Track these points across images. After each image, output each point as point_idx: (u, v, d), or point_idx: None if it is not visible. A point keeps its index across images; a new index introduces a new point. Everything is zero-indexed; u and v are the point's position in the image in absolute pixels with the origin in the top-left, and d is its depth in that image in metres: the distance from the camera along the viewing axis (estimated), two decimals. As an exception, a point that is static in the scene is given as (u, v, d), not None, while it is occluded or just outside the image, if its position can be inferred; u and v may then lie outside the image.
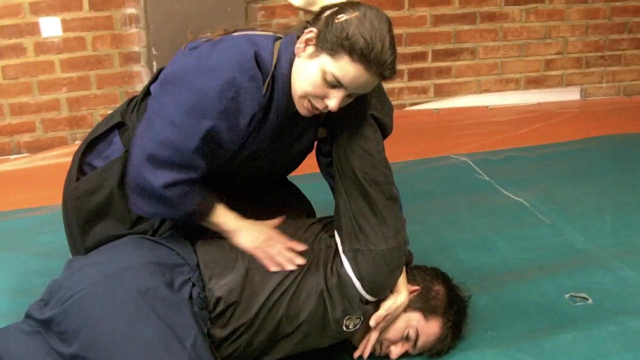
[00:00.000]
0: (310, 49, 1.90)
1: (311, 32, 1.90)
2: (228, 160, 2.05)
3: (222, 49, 1.94)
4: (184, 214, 2.01)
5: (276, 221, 2.19)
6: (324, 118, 2.15)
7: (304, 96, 1.93)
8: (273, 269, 2.03)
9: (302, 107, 1.96)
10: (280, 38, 2.03)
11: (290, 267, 2.03)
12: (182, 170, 1.93)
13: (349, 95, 1.92)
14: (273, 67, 1.96)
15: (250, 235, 2.08)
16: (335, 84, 1.86)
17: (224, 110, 1.89)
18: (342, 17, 1.84)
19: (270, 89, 1.97)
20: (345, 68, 1.84)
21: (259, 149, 2.08)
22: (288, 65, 1.97)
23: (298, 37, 1.94)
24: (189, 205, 1.99)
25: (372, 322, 2.09)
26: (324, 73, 1.86)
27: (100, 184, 2.11)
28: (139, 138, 1.97)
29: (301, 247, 2.10)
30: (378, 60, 1.83)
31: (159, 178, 1.91)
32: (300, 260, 2.05)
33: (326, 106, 1.91)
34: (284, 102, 2.00)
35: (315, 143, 2.26)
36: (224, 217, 2.08)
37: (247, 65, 1.90)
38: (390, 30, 1.86)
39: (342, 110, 2.06)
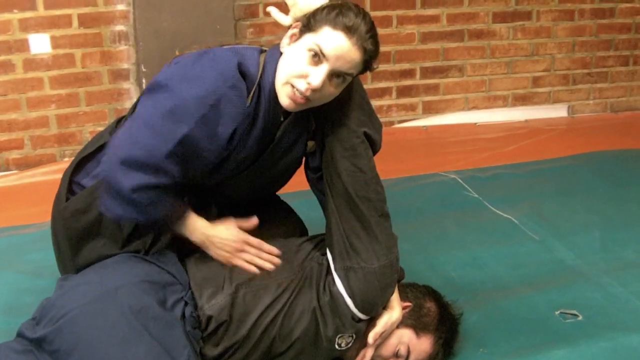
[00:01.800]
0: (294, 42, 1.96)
1: (295, 28, 1.95)
2: (215, 172, 2.04)
3: (206, 59, 1.95)
4: (151, 220, 1.97)
5: (249, 224, 2.08)
6: (313, 131, 2.16)
7: (287, 82, 1.93)
8: (254, 270, 2.02)
9: (286, 97, 1.94)
10: (266, 51, 2.05)
11: (268, 267, 2.02)
12: (153, 173, 1.88)
13: (332, 80, 1.92)
14: (259, 76, 1.97)
15: (221, 246, 2.04)
16: (318, 55, 1.88)
17: (203, 117, 1.88)
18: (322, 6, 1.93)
19: (257, 99, 1.97)
20: (326, 36, 1.88)
21: (247, 161, 2.08)
22: (274, 74, 1.98)
23: None
24: (157, 213, 1.95)
25: (370, 339, 2.08)
26: (306, 47, 1.90)
27: (90, 203, 2.09)
28: (116, 139, 1.94)
29: (275, 250, 2.06)
30: (357, 27, 1.88)
31: (129, 180, 1.86)
32: (277, 260, 2.04)
33: (308, 85, 1.89)
34: (270, 111, 2.01)
35: (304, 158, 2.26)
36: (192, 227, 2.02)
37: (230, 74, 1.91)
38: (369, 17, 1.93)
39: (333, 126, 2.07)
